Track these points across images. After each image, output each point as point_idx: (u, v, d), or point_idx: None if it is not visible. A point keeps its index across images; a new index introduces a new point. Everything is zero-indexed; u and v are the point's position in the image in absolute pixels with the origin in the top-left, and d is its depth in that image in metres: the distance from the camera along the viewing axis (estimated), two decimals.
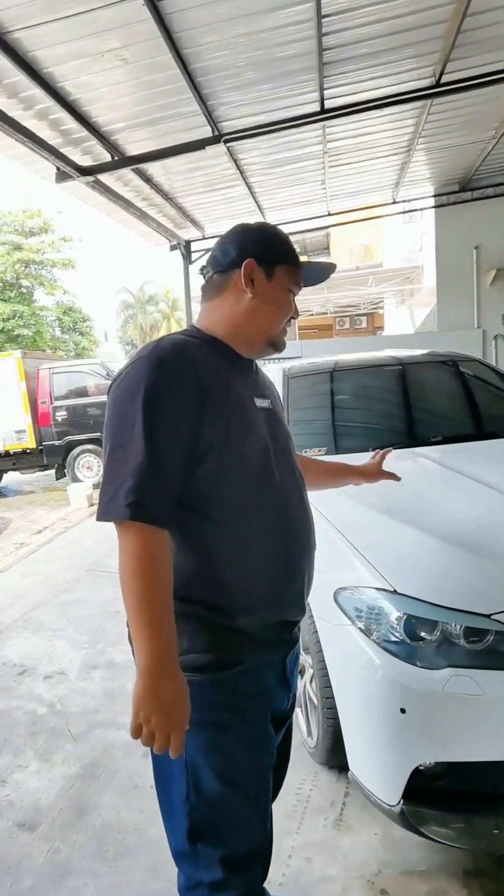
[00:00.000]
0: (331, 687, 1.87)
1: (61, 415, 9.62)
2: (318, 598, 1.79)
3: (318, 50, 4.50)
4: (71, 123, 5.18)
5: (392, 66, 4.94)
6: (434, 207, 8.75)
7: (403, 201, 8.86)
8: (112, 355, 26.53)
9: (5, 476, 10.73)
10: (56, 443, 9.61)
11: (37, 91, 4.58)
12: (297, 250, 1.31)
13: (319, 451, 2.73)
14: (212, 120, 5.43)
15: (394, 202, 8.87)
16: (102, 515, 1.06)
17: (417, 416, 3.02)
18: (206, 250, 9.62)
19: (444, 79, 5.15)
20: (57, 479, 10.00)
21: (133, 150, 5.87)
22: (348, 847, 1.80)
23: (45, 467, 10.00)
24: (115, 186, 6.71)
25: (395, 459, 2.65)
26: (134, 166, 6.09)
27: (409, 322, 14.14)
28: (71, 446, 9.62)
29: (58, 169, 5.69)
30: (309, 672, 2.14)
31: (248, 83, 4.94)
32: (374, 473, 1.72)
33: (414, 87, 5.25)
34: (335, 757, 1.99)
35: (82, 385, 9.78)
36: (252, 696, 1.19)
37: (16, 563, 5.59)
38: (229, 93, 5.07)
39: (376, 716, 1.62)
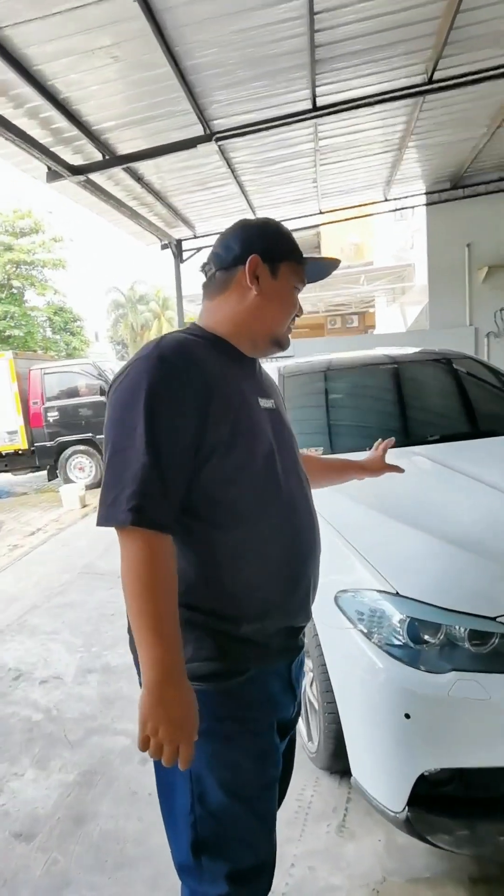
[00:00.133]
0: (332, 691, 1.85)
1: (53, 416, 9.55)
2: (319, 601, 1.73)
3: (309, 47, 4.47)
4: (62, 122, 5.12)
5: (384, 64, 4.92)
6: (425, 205, 8.75)
7: (395, 199, 8.85)
8: (103, 355, 26.44)
9: None
10: (48, 444, 9.54)
11: (26, 89, 4.53)
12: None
13: (317, 450, 2.70)
14: (203, 118, 5.39)
15: (385, 200, 8.86)
16: (103, 520, 1.02)
17: (414, 415, 3.00)
18: (198, 249, 9.58)
19: (436, 76, 5.13)
20: (49, 480, 9.93)
21: (124, 148, 5.82)
22: (352, 854, 1.77)
23: (38, 468, 9.93)
24: (106, 186, 6.66)
25: (393, 459, 2.65)
26: (125, 165, 6.04)
27: (400, 320, 14.13)
28: (63, 447, 9.55)
29: (49, 168, 5.64)
30: (309, 676, 2.12)
31: (239, 81, 4.90)
32: (378, 467, 1.69)
33: (406, 85, 5.23)
34: (337, 762, 1.97)
35: (74, 385, 9.72)
36: (258, 704, 1.16)
37: (9, 566, 5.54)
38: (221, 91, 5.03)
39: (380, 721, 1.59)
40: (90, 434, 9.41)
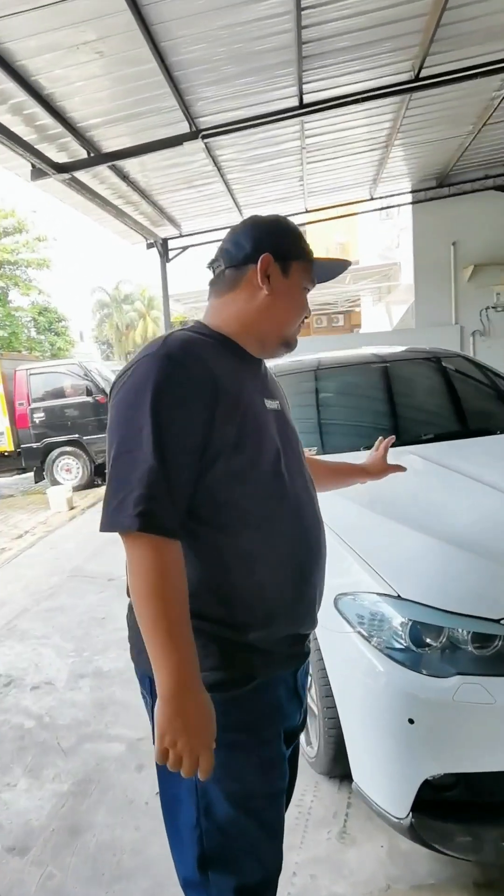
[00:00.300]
0: (332, 696, 1.82)
1: (39, 417, 9.44)
2: None
3: (297, 43, 4.44)
4: (46, 119, 5.04)
5: (371, 60, 4.90)
6: (411, 203, 8.76)
7: (381, 197, 8.86)
8: (88, 355, 26.24)
9: None
10: (34, 445, 9.43)
11: (10, 85, 4.44)
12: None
13: (310, 450, 2.68)
14: (189, 115, 5.34)
15: (371, 198, 8.86)
16: (108, 526, 0.98)
17: (409, 414, 2.98)
18: (184, 248, 9.53)
19: (423, 73, 5.12)
20: (36, 482, 9.82)
21: (110, 146, 5.75)
22: (354, 862, 1.75)
23: (24, 470, 9.81)
24: (91, 184, 6.58)
25: (391, 458, 2.63)
26: (111, 163, 5.97)
27: (386, 319, 14.16)
28: (49, 448, 9.45)
29: (33, 166, 5.55)
30: (308, 680, 2.09)
31: (226, 77, 4.86)
32: (380, 469, 1.67)
33: (393, 82, 5.22)
34: (337, 767, 1.94)
35: (60, 386, 9.61)
36: (265, 714, 1.13)
37: None
38: (207, 87, 4.98)
39: (383, 726, 1.57)
40: (77, 435, 9.32)
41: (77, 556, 5.55)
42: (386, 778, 1.60)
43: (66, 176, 5.78)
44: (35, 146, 5.33)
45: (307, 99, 5.33)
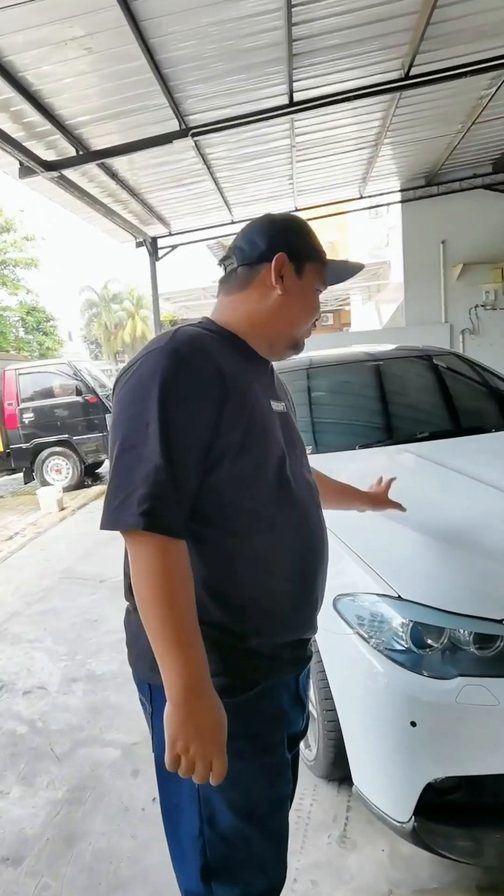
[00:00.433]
0: (332, 699, 1.80)
1: (28, 417, 9.34)
2: None
3: (287, 41, 4.41)
4: (34, 116, 4.97)
5: (361, 59, 4.88)
6: (401, 202, 8.76)
7: (370, 196, 8.86)
8: (77, 354, 26.13)
9: None
10: (24, 446, 9.34)
11: None
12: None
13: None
14: (179, 113, 5.30)
15: (361, 197, 8.86)
16: (110, 524, 0.95)
17: (403, 413, 2.97)
18: (173, 247, 9.48)
19: (413, 72, 5.11)
20: (25, 482, 9.72)
21: (98, 144, 5.69)
22: (355, 866, 1.73)
23: (13, 471, 9.71)
24: (80, 182, 6.52)
25: (387, 457, 2.61)
26: (99, 161, 5.91)
27: (375, 318, 14.19)
28: (39, 449, 9.36)
29: (21, 164, 5.48)
30: (309, 684, 2.06)
31: (216, 75, 4.82)
32: (381, 502, 1.66)
33: (383, 80, 5.20)
34: (336, 770, 1.92)
35: (49, 386, 9.53)
36: (268, 720, 1.11)
37: None
38: (197, 85, 4.94)
39: (384, 729, 1.55)
40: (67, 435, 9.24)
41: (68, 558, 5.50)
42: (387, 781, 1.58)
43: (55, 174, 5.72)
44: (23, 143, 5.26)
45: (297, 97, 5.31)
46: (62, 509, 7.85)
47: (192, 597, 0.96)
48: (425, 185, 8.48)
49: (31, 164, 5.43)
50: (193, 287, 13.44)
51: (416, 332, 8.50)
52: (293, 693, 1.18)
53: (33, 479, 9.50)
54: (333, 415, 3.09)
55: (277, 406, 1.17)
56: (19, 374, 9.46)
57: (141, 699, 1.17)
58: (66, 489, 8.86)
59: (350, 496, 1.64)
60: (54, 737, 2.61)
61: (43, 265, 22.16)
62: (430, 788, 1.48)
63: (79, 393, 9.28)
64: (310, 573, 1.14)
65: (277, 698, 1.12)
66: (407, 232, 8.81)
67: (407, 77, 5.17)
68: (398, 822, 1.53)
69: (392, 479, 1.72)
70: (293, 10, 4.06)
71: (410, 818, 1.50)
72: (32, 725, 2.72)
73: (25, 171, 5.61)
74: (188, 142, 5.56)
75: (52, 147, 5.63)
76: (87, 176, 6.55)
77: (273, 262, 1.12)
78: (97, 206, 7.09)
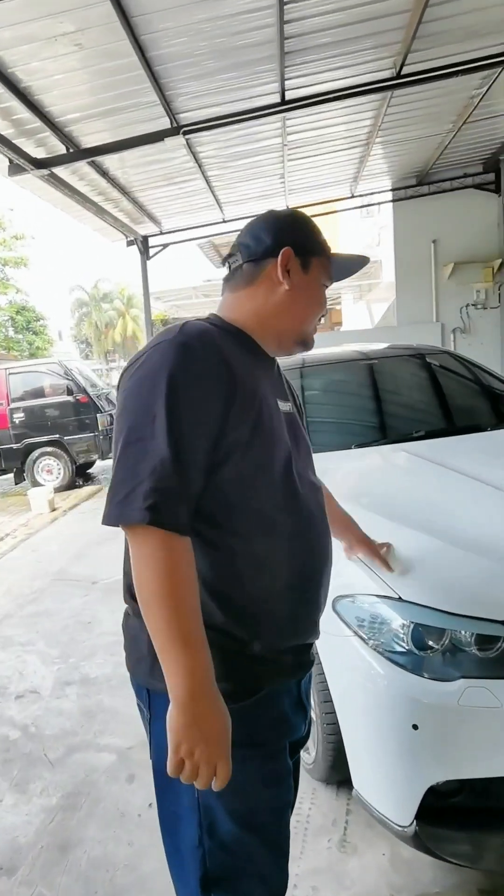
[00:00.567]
0: (331, 701, 1.78)
1: (19, 417, 9.27)
2: None
3: (279, 38, 4.39)
4: (24, 113, 4.93)
5: (354, 57, 4.87)
6: (392, 201, 8.77)
7: (361, 195, 8.87)
8: (67, 354, 25.98)
9: None
10: (14, 446, 9.26)
11: None
12: None
13: None
14: (170, 111, 5.27)
15: (352, 196, 8.87)
16: (114, 519, 0.92)
17: (399, 412, 2.96)
18: (164, 245, 9.44)
19: (405, 71, 5.11)
20: (16, 483, 9.65)
21: (89, 141, 5.65)
22: (356, 871, 1.71)
23: (4, 472, 9.63)
24: (70, 180, 6.47)
25: (384, 456, 2.60)
26: (90, 159, 5.86)
27: (367, 317, 14.20)
28: (30, 449, 9.29)
29: (10, 161, 5.43)
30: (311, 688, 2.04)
31: (207, 72, 4.79)
32: (374, 555, 1.62)
33: (375, 79, 5.20)
34: (335, 773, 1.90)
35: (40, 386, 9.45)
36: (271, 726, 1.08)
37: None
38: (188, 82, 4.91)
39: (385, 732, 1.53)
40: (58, 435, 9.17)
41: (60, 559, 5.45)
42: (388, 785, 1.56)
43: (45, 172, 5.66)
44: (12, 141, 5.21)
45: (290, 95, 5.29)
46: (53, 510, 7.79)
47: (197, 596, 0.93)
48: (416, 185, 8.49)
49: (21, 162, 5.38)
50: (185, 286, 13.41)
51: (408, 332, 8.52)
52: (295, 698, 1.16)
53: (24, 480, 9.43)
54: (328, 414, 3.06)
55: (284, 406, 1.15)
56: (9, 374, 9.38)
57: (139, 705, 1.14)
58: (58, 490, 8.80)
59: (348, 530, 1.62)
60: (48, 742, 2.57)
61: (33, 264, 22.01)
62: (431, 792, 1.46)
63: (70, 393, 9.22)
64: (314, 576, 1.12)
65: (279, 704, 1.10)
66: (398, 231, 8.82)
67: (398, 76, 5.16)
68: (399, 826, 1.51)
69: (390, 546, 1.69)
70: (285, 7, 4.05)
71: (412, 822, 1.48)
72: (25, 730, 2.68)
73: (15, 169, 5.56)
74: (180, 140, 5.52)
75: (42, 144, 5.59)
76: (78, 174, 6.50)
77: (279, 257, 1.10)
78: (88, 204, 7.05)
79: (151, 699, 1.08)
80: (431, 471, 2.27)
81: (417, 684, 1.48)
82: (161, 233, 9.16)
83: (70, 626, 3.84)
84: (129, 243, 9.23)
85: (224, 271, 1.22)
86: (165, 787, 1.06)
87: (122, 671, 3.13)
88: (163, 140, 5.46)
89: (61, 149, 5.60)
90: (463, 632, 1.50)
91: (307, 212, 1.24)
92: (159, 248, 9.42)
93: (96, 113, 5.18)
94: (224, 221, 8.80)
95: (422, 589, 1.58)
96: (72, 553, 5.57)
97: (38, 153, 5.64)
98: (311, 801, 1.98)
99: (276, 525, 1.05)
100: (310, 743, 2.03)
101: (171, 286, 13.11)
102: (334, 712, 1.77)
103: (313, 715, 1.93)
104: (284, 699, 1.12)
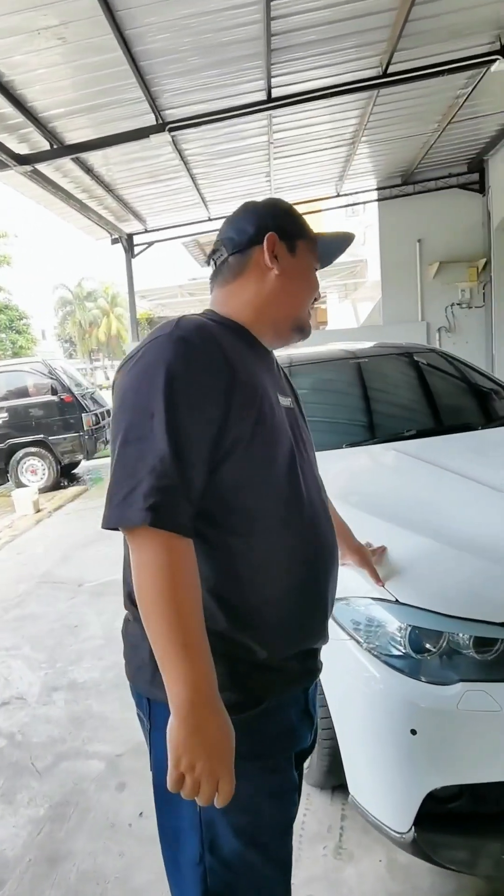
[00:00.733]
0: (327, 706, 1.75)
1: (2, 417, 9.13)
2: None
3: (265, 35, 4.35)
4: (6, 108, 4.84)
5: (340, 55, 4.86)
6: (377, 201, 8.79)
7: (347, 194, 8.87)
8: (51, 353, 25.77)
9: None
10: None
11: None
12: None
13: None
14: (155, 107, 5.21)
15: (337, 195, 8.88)
16: (113, 521, 0.88)
17: (392, 411, 2.94)
18: (149, 243, 9.37)
19: (391, 69, 5.11)
20: (0, 484, 9.53)
21: (73, 138, 5.57)
22: (353, 879, 1.68)
23: None
24: (54, 177, 6.39)
25: (376, 455, 2.57)
26: (74, 155, 5.79)
27: (352, 317, 14.24)
28: (13, 450, 9.16)
29: None
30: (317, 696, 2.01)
31: (193, 69, 4.75)
32: (365, 563, 1.59)
33: (361, 77, 5.19)
34: (330, 779, 1.88)
35: (24, 385, 9.32)
36: (277, 738, 1.04)
37: None
38: (174, 79, 4.86)
39: (382, 737, 1.50)
40: (42, 435, 9.05)
41: (46, 561, 5.37)
42: (386, 791, 1.53)
43: (28, 168, 5.58)
44: None
45: (276, 93, 5.26)
46: (38, 511, 7.69)
47: (199, 600, 0.89)
48: (401, 184, 8.52)
49: (3, 158, 5.29)
50: (170, 285, 13.34)
51: (394, 331, 8.54)
52: (302, 707, 1.12)
53: (8, 481, 9.29)
54: (318, 413, 3.03)
55: (284, 401, 1.11)
56: None
57: (139, 715, 1.10)
58: (42, 490, 8.68)
59: (342, 538, 1.57)
60: (35, 750, 2.52)
61: (16, 262, 21.78)
62: (430, 798, 1.44)
63: (54, 392, 9.10)
64: (321, 576, 1.09)
65: (286, 714, 1.06)
66: (383, 230, 8.84)
67: (385, 75, 5.16)
68: (397, 832, 1.48)
69: (385, 550, 1.66)
70: (272, 3, 4.01)
71: (410, 828, 1.45)
72: (11, 739, 2.63)
73: None
74: (165, 137, 5.46)
75: (25, 140, 5.50)
76: (62, 171, 6.42)
77: (265, 242, 1.09)
78: (72, 201, 6.96)
79: (152, 709, 1.04)
80: (424, 470, 2.25)
81: (415, 688, 1.46)
82: (146, 231, 9.10)
83: (56, 629, 3.78)
84: (114, 241, 9.15)
85: (210, 271, 1.19)
86: (165, 800, 1.02)
87: (111, 676, 3.09)
88: (148, 137, 5.40)
89: (45, 145, 5.52)
90: (460, 634, 1.48)
91: None
92: (144, 246, 9.35)
93: (80, 108, 5.11)
94: (210, 220, 8.75)
95: (418, 591, 1.55)
96: (57, 555, 5.49)
97: (21, 149, 5.56)
98: (306, 807, 1.95)
99: (280, 524, 1.01)
100: None
101: (156, 285, 13.04)
102: (330, 717, 1.74)
103: None
104: (291, 709, 1.08)
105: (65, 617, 3.98)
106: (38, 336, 27.36)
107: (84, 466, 10.47)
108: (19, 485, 8.92)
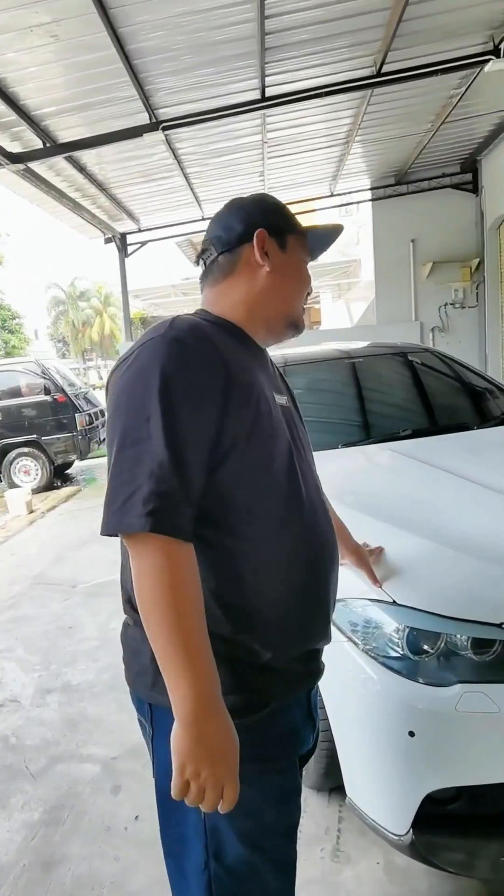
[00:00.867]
0: (324, 708, 1.74)
1: None
2: None
3: (259, 34, 4.35)
4: None
5: (334, 54, 4.86)
6: (371, 200, 8.80)
7: (340, 194, 8.88)
8: (44, 353, 25.67)
9: None
10: None
11: None
12: None
13: None
14: (149, 106, 5.20)
15: (331, 195, 8.88)
16: (112, 528, 0.87)
17: (388, 411, 2.93)
18: (143, 243, 9.35)
19: (385, 69, 5.11)
20: None
21: (66, 136, 5.56)
22: (351, 882, 1.67)
23: None
24: (46, 176, 6.36)
25: (372, 455, 2.57)
26: (67, 154, 5.76)
27: (346, 317, 14.24)
28: (6, 450, 9.11)
29: None
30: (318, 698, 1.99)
31: (186, 67, 4.74)
32: (362, 563, 1.57)
33: (355, 77, 5.19)
34: (327, 780, 1.87)
35: (16, 385, 9.27)
36: (281, 741, 1.03)
37: None
38: (167, 77, 4.85)
39: (380, 739, 1.49)
40: (35, 436, 9.00)
41: (39, 562, 5.34)
42: (384, 794, 1.52)
43: (21, 166, 5.56)
44: None
45: (269, 92, 5.26)
46: (31, 512, 7.65)
47: (202, 605, 0.88)
48: (395, 184, 8.54)
49: None
50: (163, 284, 13.31)
51: (387, 330, 8.55)
52: (305, 709, 1.11)
53: (0, 482, 9.25)
54: (314, 413, 3.02)
55: (280, 399, 1.10)
56: None
57: (140, 720, 1.08)
58: (35, 491, 8.64)
59: (340, 539, 1.57)
60: (29, 753, 2.49)
61: (8, 261, 21.67)
62: (428, 800, 1.43)
63: (47, 392, 9.05)
64: (322, 576, 1.08)
65: (290, 717, 1.06)
66: (377, 230, 8.86)
67: (379, 74, 5.16)
68: (395, 835, 1.47)
69: (382, 550, 1.65)
70: (265, 2, 4.00)
71: (408, 831, 1.45)
72: (5, 741, 2.60)
73: None
74: (159, 135, 5.45)
75: (18, 139, 5.47)
76: (55, 169, 6.39)
77: (254, 239, 1.07)
78: (65, 200, 6.93)
79: (154, 714, 1.02)
80: (420, 470, 2.25)
81: (413, 690, 1.45)
82: (139, 230, 9.08)
83: (50, 631, 3.75)
84: (107, 241, 9.12)
85: (200, 270, 1.18)
86: (169, 807, 1.01)
87: (105, 677, 3.07)
88: (141, 136, 5.39)
89: (37, 143, 5.49)
90: (458, 635, 1.47)
91: None
92: (138, 245, 9.33)
93: (73, 107, 5.09)
94: (203, 219, 8.74)
95: (416, 592, 1.54)
96: (51, 556, 5.46)
97: (14, 147, 5.53)
98: (303, 809, 1.93)
99: (281, 524, 1.00)
100: None
101: (149, 284, 13.00)
102: (327, 718, 1.73)
103: None
104: (295, 711, 1.07)
105: (59, 618, 3.95)
106: (31, 336, 27.25)
107: (77, 467, 10.42)
108: (12, 485, 8.87)
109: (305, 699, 1.11)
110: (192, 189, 7.55)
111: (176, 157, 6.44)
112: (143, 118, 5.33)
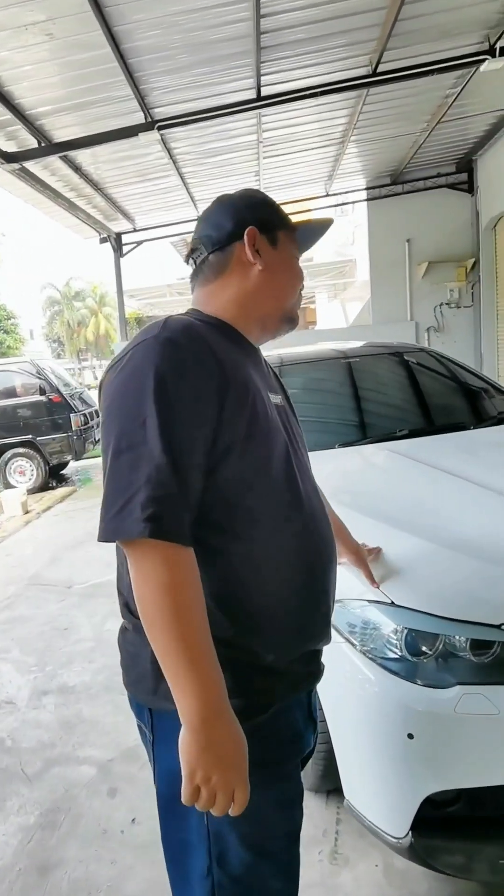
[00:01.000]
0: (322, 709, 1.73)
1: None
2: None
3: (255, 33, 4.33)
4: None
5: (330, 54, 4.84)
6: (366, 200, 8.79)
7: (336, 194, 8.87)
8: (39, 353, 25.61)
9: None
10: None
11: None
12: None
13: None
14: (144, 105, 5.17)
15: (327, 195, 8.87)
16: (110, 534, 0.85)
17: (385, 411, 2.93)
18: (138, 242, 9.32)
19: (380, 69, 5.10)
20: None
21: (61, 135, 5.52)
22: (349, 884, 1.66)
23: None
24: (42, 175, 6.32)
25: (369, 455, 2.56)
26: (62, 153, 5.74)
27: (341, 316, 14.25)
28: (1, 450, 9.08)
29: None
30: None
31: (182, 67, 4.71)
32: (360, 563, 1.57)
33: (350, 76, 5.18)
34: (325, 782, 1.86)
35: (11, 385, 9.23)
36: (284, 744, 1.03)
37: None
38: (163, 76, 4.83)
39: (379, 741, 1.48)
40: (30, 436, 8.97)
41: (35, 563, 5.32)
42: (382, 796, 1.52)
43: (15, 166, 5.53)
44: None
45: (265, 91, 5.24)
46: (27, 512, 7.62)
47: (204, 611, 0.87)
48: (390, 184, 8.53)
49: None
50: (159, 284, 13.29)
51: (383, 330, 8.54)
52: (306, 711, 1.11)
53: None
54: (310, 413, 3.02)
55: (275, 398, 1.09)
56: None
57: (139, 726, 1.07)
58: (31, 491, 8.60)
59: (339, 538, 1.56)
60: (25, 756, 2.48)
61: (2, 261, 21.59)
62: (427, 802, 1.42)
63: (42, 392, 9.02)
64: (322, 575, 1.07)
65: (293, 718, 1.05)
66: (372, 230, 8.85)
67: (374, 74, 5.15)
68: (394, 837, 1.47)
69: (380, 551, 1.65)
70: (261, 1, 3.98)
71: (407, 833, 1.44)
72: (1, 744, 2.58)
73: None
74: (154, 135, 5.43)
75: (13, 138, 5.44)
76: (50, 169, 6.36)
77: (245, 237, 1.06)
78: (60, 200, 6.90)
79: (154, 720, 1.01)
80: (416, 470, 2.24)
81: (411, 691, 1.44)
82: (135, 230, 9.05)
83: (46, 632, 3.73)
84: (103, 240, 9.10)
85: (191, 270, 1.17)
86: (171, 812, 1.00)
87: (101, 679, 3.06)
88: (136, 135, 5.36)
89: (32, 142, 5.46)
90: (457, 637, 1.46)
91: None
92: (133, 245, 9.30)
93: (68, 106, 5.06)
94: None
95: (414, 593, 1.54)
96: (47, 557, 5.44)
97: (9, 147, 5.50)
98: None
99: (280, 524, 0.99)
100: None
101: (144, 284, 12.98)
102: (325, 720, 1.72)
103: None
104: (297, 713, 1.07)
105: (55, 619, 3.93)
106: (27, 336, 27.19)
107: (73, 467, 10.40)
108: (7, 486, 8.84)
109: (306, 700, 1.11)
110: (187, 189, 7.53)
111: (171, 156, 6.41)
112: (139, 117, 5.31)
